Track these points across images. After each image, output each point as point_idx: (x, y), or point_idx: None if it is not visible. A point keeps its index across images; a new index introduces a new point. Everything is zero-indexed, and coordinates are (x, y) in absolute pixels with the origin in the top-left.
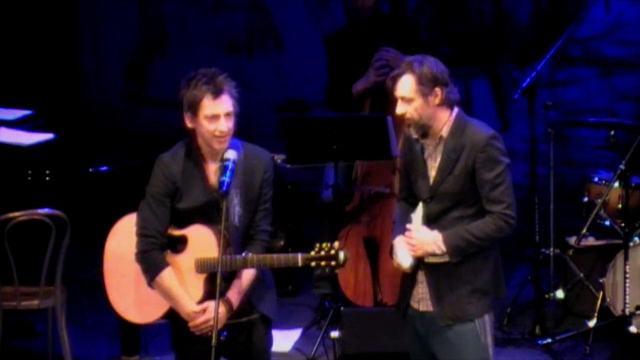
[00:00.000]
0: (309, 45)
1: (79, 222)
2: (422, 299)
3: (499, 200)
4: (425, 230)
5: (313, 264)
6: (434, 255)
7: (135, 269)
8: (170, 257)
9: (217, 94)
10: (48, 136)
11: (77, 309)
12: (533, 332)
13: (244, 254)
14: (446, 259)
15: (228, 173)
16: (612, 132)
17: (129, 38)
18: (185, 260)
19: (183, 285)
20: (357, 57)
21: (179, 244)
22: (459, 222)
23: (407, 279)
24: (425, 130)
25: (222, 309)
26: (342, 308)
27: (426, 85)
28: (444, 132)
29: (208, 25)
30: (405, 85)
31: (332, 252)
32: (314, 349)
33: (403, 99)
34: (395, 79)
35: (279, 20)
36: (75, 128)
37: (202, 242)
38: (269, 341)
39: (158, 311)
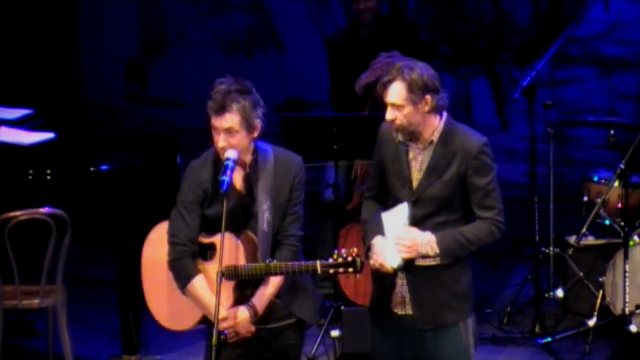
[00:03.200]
0: (309, 45)
1: (80, 221)
2: (401, 302)
3: (492, 206)
4: (417, 231)
5: (331, 271)
6: (425, 257)
7: (169, 276)
8: (201, 264)
9: (218, 111)
10: (49, 135)
11: (77, 308)
12: (533, 331)
13: (267, 261)
14: (437, 261)
15: (228, 172)
16: (612, 132)
17: (129, 38)
18: (214, 268)
19: (214, 292)
20: (357, 59)
21: (209, 251)
22: (442, 227)
23: (384, 283)
24: (413, 135)
25: (246, 314)
26: (342, 307)
27: (416, 92)
28: (435, 136)
29: (208, 25)
30: (395, 92)
31: (350, 258)
32: (314, 348)
33: (393, 105)
34: (385, 85)
35: (279, 20)
36: (75, 127)
37: (229, 250)
38: (302, 345)
39: (192, 318)
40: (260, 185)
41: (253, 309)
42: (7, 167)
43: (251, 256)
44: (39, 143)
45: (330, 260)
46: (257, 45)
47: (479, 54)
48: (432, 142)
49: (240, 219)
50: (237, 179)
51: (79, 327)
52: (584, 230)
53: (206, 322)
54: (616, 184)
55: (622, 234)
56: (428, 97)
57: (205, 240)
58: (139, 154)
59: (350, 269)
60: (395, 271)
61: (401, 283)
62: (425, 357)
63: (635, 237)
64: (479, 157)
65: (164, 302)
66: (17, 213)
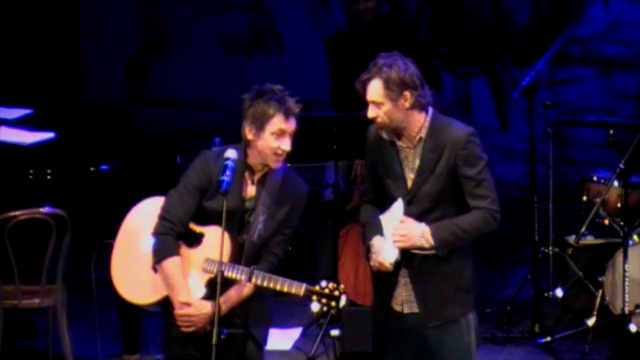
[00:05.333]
0: (309, 45)
1: (80, 221)
2: (406, 301)
3: (484, 195)
4: (412, 222)
5: (314, 298)
6: (421, 249)
7: (145, 248)
8: (183, 248)
9: (289, 115)
10: (49, 135)
11: (77, 307)
12: (532, 330)
13: (252, 267)
14: (432, 252)
15: (228, 172)
16: (612, 132)
17: (129, 38)
18: (195, 257)
19: (185, 279)
20: (357, 59)
21: (195, 240)
22: None
23: (386, 281)
24: (397, 132)
25: (208, 310)
26: None
27: (393, 89)
28: (423, 133)
29: (208, 25)
30: (374, 90)
31: (336, 293)
32: (314, 347)
33: (373, 102)
34: (364, 83)
35: (279, 20)
36: (75, 127)
37: (215, 245)
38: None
39: (152, 296)
40: (263, 197)
41: (217, 307)
42: (7, 167)
43: (235, 259)
44: (39, 143)
45: (317, 288)
46: (257, 45)
47: (479, 54)
48: (421, 139)
49: (236, 222)
50: (249, 183)
51: (79, 326)
52: (583, 230)
53: (163, 306)
54: (616, 183)
55: (621, 234)
56: (407, 93)
57: (196, 228)
58: (139, 154)
59: (333, 303)
60: (394, 267)
61: (404, 282)
62: (427, 356)
63: (635, 237)
64: (467, 147)
65: (130, 271)
66: (17, 213)
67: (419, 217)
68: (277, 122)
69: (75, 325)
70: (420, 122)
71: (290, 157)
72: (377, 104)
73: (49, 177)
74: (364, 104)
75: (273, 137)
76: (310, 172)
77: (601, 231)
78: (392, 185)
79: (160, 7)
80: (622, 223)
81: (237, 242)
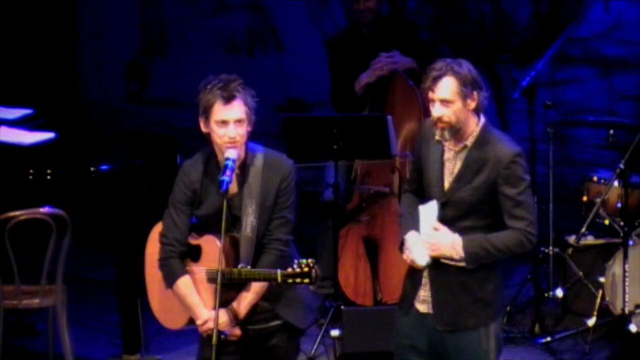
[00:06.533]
0: (309, 45)
1: (80, 221)
2: (425, 301)
3: (522, 217)
4: (445, 231)
5: (290, 280)
6: (449, 259)
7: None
8: (189, 265)
9: (228, 99)
10: (49, 135)
11: (77, 308)
12: (532, 330)
13: (240, 266)
14: (461, 263)
15: (228, 172)
16: (612, 132)
17: (129, 38)
18: (199, 271)
19: (200, 293)
20: (357, 59)
21: (197, 254)
22: (470, 232)
23: (412, 279)
24: (456, 134)
25: (226, 318)
26: (342, 307)
27: (467, 87)
28: (469, 141)
29: (208, 25)
30: (447, 87)
31: (306, 269)
32: (314, 347)
33: (443, 101)
34: (435, 81)
35: (279, 20)
36: (75, 127)
37: (213, 252)
38: (293, 348)
39: (182, 318)
40: (247, 188)
41: (233, 312)
42: (7, 167)
43: (233, 259)
44: (39, 143)
45: (290, 270)
46: (257, 45)
47: (479, 54)
48: (465, 146)
49: (228, 221)
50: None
51: (79, 327)
52: (583, 230)
53: (194, 324)
54: (616, 183)
55: (621, 234)
56: (476, 93)
57: (193, 242)
58: (139, 154)
59: (306, 280)
60: (426, 268)
61: (425, 282)
62: (444, 356)
63: (635, 237)
64: (509, 166)
65: (160, 299)
66: (17, 213)
67: (450, 222)
68: (217, 110)
69: (75, 325)
70: (472, 127)
71: (290, 156)
72: (447, 102)
73: (49, 177)
74: (363, 105)
75: (217, 125)
76: (310, 172)
77: (601, 231)
78: (430, 183)
79: (160, 7)
80: (622, 223)
81: (232, 241)
